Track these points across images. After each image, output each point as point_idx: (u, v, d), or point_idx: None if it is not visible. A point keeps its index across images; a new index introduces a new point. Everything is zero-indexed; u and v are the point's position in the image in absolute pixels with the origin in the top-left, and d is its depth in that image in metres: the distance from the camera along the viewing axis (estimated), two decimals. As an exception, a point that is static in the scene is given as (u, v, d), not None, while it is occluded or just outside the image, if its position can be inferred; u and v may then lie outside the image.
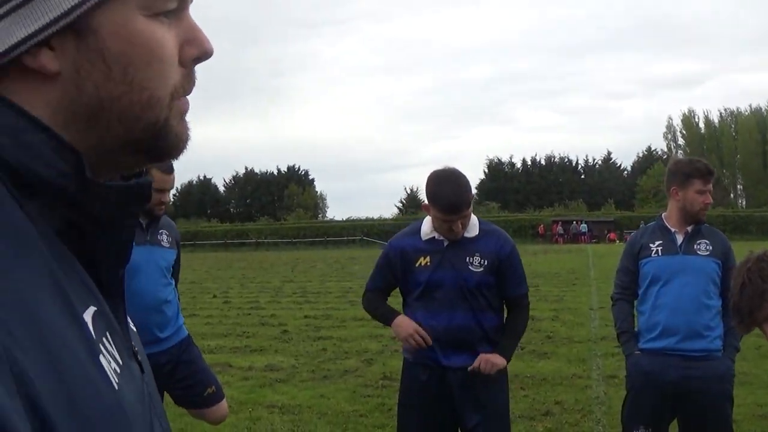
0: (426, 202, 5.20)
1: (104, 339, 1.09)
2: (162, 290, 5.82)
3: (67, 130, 1.11)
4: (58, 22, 1.08)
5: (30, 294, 0.97)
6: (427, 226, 5.32)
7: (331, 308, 21.99)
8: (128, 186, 1.19)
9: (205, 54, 1.24)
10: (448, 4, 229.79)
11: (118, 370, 1.08)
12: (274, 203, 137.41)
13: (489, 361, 5.09)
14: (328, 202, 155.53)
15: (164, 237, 5.96)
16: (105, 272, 1.21)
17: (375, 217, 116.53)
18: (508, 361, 5.26)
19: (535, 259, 43.91)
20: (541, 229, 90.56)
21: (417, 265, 5.26)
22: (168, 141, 1.21)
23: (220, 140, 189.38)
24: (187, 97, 1.24)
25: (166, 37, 1.17)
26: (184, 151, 1.25)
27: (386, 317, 5.46)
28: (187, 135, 1.25)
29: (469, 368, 5.08)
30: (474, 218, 5.29)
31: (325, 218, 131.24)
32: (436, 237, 5.24)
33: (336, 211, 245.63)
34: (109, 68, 1.12)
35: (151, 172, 6.00)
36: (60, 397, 0.93)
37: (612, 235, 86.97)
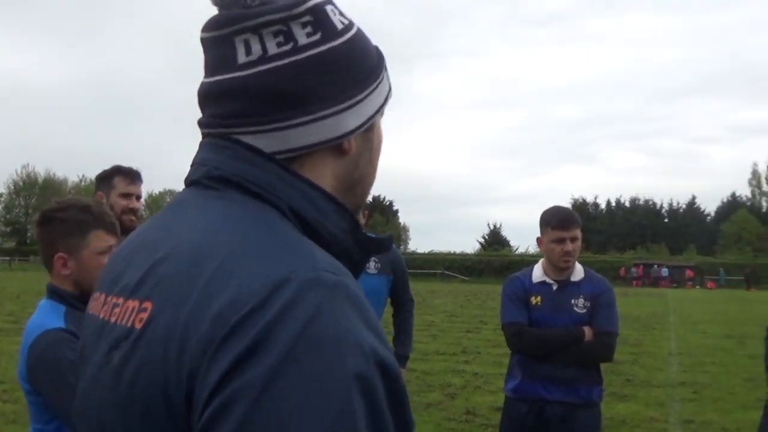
0: (539, 235, 5.81)
1: None
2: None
3: (336, 194, 1.50)
4: (372, 119, 1.53)
5: None
6: (538, 270, 5.85)
7: (414, 341, 21.50)
8: (381, 238, 1.58)
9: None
10: (542, 42, 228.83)
11: None
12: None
13: None
14: (411, 234, 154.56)
15: (371, 263, 6.40)
16: None
17: (457, 252, 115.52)
18: None
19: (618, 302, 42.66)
20: (622, 271, 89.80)
21: (530, 302, 5.72)
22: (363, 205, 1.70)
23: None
24: None
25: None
26: None
27: (565, 334, 5.57)
28: None
29: None
30: (578, 265, 5.79)
31: (407, 250, 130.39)
32: (546, 280, 5.75)
33: (418, 243, 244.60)
34: (371, 153, 1.58)
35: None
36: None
37: (689, 273, 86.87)
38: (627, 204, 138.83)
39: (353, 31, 1.51)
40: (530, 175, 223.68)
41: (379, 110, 1.55)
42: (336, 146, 1.48)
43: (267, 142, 1.44)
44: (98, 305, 1.51)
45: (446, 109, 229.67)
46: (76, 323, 3.42)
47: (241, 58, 1.43)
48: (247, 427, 1.12)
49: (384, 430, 1.20)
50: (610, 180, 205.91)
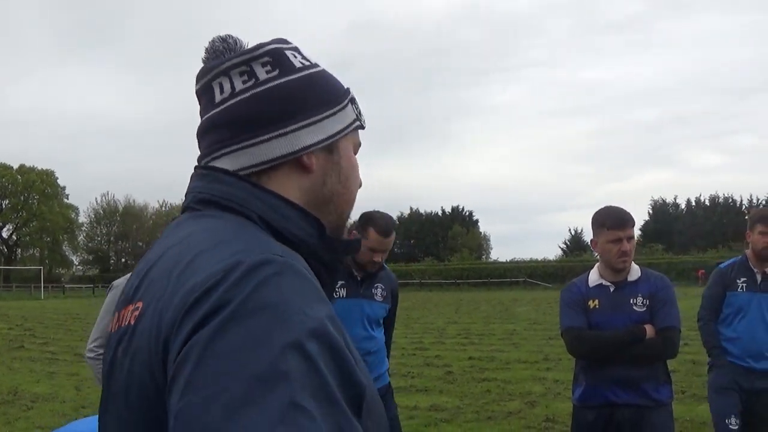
0: (593, 237, 5.77)
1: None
2: (361, 342, 6.01)
3: (306, 207, 1.70)
4: (329, 139, 1.75)
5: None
6: (594, 274, 5.79)
7: (495, 350, 22.02)
8: (349, 241, 1.82)
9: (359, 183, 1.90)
10: (613, 48, 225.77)
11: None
12: (438, 244, 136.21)
13: None
14: (492, 243, 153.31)
15: (378, 291, 6.29)
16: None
17: (539, 259, 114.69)
18: None
19: (698, 303, 41.63)
20: (700, 273, 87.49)
21: (588, 306, 5.67)
22: (345, 227, 1.88)
23: (386, 181, 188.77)
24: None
25: (357, 162, 1.87)
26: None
27: (624, 334, 5.50)
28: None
29: None
30: (635, 265, 5.70)
31: (489, 259, 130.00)
32: (603, 283, 5.69)
33: (499, 252, 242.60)
34: (339, 174, 1.78)
35: (369, 232, 6.17)
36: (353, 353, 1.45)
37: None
38: (707, 203, 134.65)
39: (314, 70, 1.79)
40: (609, 180, 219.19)
41: (341, 133, 1.77)
42: (297, 162, 1.71)
43: (237, 160, 1.69)
44: (113, 322, 1.69)
45: (522, 119, 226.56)
46: None
47: (218, 97, 1.74)
48: (192, 379, 1.26)
49: (323, 394, 1.27)
50: (690, 180, 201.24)
